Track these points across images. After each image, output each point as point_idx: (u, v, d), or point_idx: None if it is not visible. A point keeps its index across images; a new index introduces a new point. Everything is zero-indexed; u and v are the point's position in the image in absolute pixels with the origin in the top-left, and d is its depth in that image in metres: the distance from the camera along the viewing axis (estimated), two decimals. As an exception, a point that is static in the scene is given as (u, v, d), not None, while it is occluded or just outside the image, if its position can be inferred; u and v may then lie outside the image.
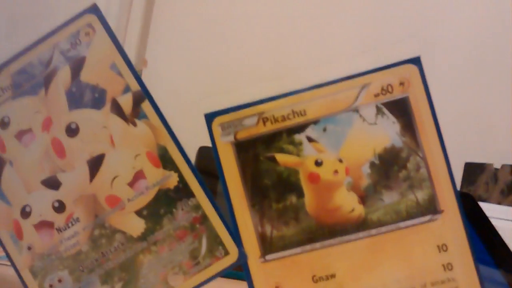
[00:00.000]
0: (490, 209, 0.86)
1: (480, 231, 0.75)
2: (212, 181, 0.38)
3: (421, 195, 0.32)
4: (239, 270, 0.34)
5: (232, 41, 1.33)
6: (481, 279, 0.32)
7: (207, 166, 0.47)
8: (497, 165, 1.14)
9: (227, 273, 0.48)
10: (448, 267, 0.32)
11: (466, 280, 0.32)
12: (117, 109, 0.33)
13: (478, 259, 0.73)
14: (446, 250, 0.32)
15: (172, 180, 0.33)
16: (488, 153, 1.37)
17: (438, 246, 0.32)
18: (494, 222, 0.80)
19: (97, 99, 0.33)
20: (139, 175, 0.33)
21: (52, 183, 0.34)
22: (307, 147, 0.33)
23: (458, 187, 1.33)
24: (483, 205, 0.93)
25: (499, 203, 1.10)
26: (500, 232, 0.74)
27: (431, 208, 0.32)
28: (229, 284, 0.49)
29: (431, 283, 0.32)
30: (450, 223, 0.32)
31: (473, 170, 1.22)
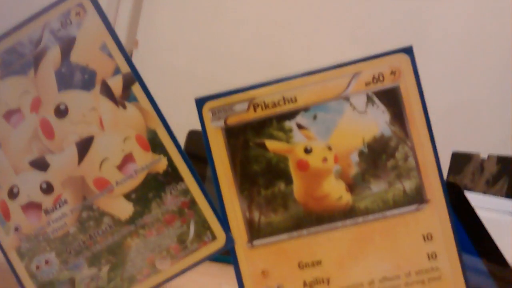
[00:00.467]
0: (475, 199, 0.87)
1: (464, 220, 0.76)
2: (201, 165, 0.37)
3: (408, 184, 0.33)
4: (227, 255, 0.34)
5: (225, 24, 1.32)
6: (464, 268, 0.32)
7: (196, 150, 0.47)
8: (484, 155, 1.15)
9: (214, 257, 0.49)
10: (432, 256, 0.32)
11: (449, 269, 0.32)
12: (106, 91, 0.33)
13: (461, 248, 0.74)
14: (431, 239, 0.32)
15: (161, 164, 0.33)
16: (476, 142, 1.39)
17: (423, 235, 0.32)
18: (478, 212, 0.81)
19: (87, 80, 0.33)
20: (128, 158, 0.33)
21: (40, 164, 0.33)
22: (297, 134, 0.33)
23: (445, 176, 1.34)
24: (468, 195, 0.95)
25: (484, 193, 1.11)
26: (484, 222, 0.76)
27: (417, 197, 0.32)
28: (217, 268, 0.50)
29: (415, 271, 0.32)
30: (436, 213, 0.32)
31: (460, 160, 1.23)
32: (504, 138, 1.45)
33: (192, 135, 0.64)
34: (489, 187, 1.11)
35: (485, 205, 0.82)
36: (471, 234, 0.73)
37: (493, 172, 1.10)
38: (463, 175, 1.21)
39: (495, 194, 1.09)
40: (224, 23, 1.32)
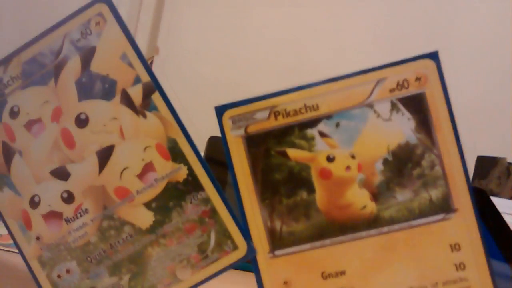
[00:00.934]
0: (501, 204, 0.85)
1: (491, 226, 0.74)
2: (222, 171, 0.37)
3: (435, 193, 0.32)
4: (250, 263, 0.33)
5: (246, 31, 1.32)
6: (494, 279, 0.31)
7: (217, 155, 0.46)
8: (510, 159, 1.13)
9: (237, 265, 0.48)
10: (460, 266, 0.31)
11: (478, 280, 0.31)
12: (127, 100, 0.33)
13: (490, 255, 0.72)
14: (459, 250, 0.31)
15: (182, 173, 0.33)
16: (501, 146, 1.36)
17: (450, 245, 0.32)
18: (505, 217, 0.79)
19: (107, 89, 0.33)
20: (148, 167, 0.33)
21: (61, 174, 0.33)
22: (319, 142, 0.33)
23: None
24: (494, 200, 0.92)
25: (511, 198, 1.09)
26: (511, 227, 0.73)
27: (445, 206, 0.32)
28: (239, 276, 0.49)
29: (442, 282, 0.31)
30: (464, 222, 0.31)
31: (485, 164, 1.20)
32: (531, 141, 1.41)
33: (212, 141, 0.64)
34: (516, 192, 1.09)
35: (511, 211, 0.80)
36: (497, 239, 0.71)
37: (520, 176, 1.07)
38: (488, 180, 1.18)
39: (522, 199, 1.06)
40: (246, 30, 1.32)
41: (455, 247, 0.31)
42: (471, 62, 1.42)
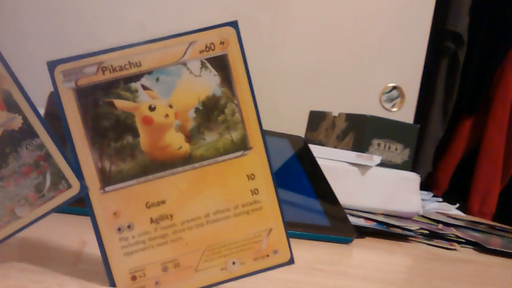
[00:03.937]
0: (325, 152, 1.00)
1: (306, 169, 0.88)
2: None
3: (235, 134, 0.40)
4: (82, 206, 0.38)
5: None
6: (280, 199, 0.41)
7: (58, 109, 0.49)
8: (336, 114, 1.29)
9: (77, 211, 0.53)
10: (255, 191, 0.40)
11: (268, 201, 0.41)
12: (-42, 55, 0.35)
13: (303, 192, 0.86)
14: (253, 179, 0.40)
15: (17, 122, 0.37)
16: (330, 103, 1.54)
17: (248, 176, 0.40)
18: (326, 162, 0.94)
19: None
20: (-17, 117, 0.36)
21: None
22: (142, 94, 0.39)
23: (303, 134, 1.48)
24: (321, 149, 1.08)
25: (335, 147, 1.25)
26: (327, 170, 0.88)
27: (242, 145, 0.40)
28: (81, 220, 0.54)
29: (241, 204, 0.40)
30: (257, 157, 0.40)
31: (316, 118, 1.37)
32: (354, 98, 1.63)
33: (53, 96, 0.66)
34: (339, 142, 1.25)
35: (330, 157, 0.95)
36: (312, 181, 0.85)
37: (342, 128, 1.23)
38: (318, 132, 1.34)
39: (344, 147, 1.23)
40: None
41: (251, 177, 0.40)
42: (307, 30, 1.58)
